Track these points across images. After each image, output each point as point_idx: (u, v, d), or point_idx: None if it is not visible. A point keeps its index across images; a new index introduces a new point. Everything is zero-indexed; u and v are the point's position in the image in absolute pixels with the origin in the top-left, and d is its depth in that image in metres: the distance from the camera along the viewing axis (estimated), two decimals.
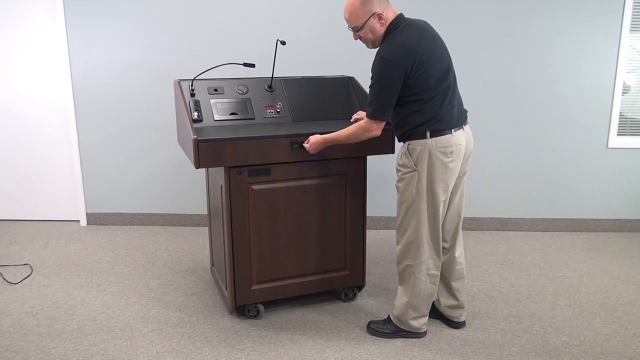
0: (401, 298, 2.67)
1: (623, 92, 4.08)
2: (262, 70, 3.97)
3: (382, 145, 2.86)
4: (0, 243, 4.01)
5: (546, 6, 3.91)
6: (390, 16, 2.44)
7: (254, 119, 2.92)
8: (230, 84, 3.01)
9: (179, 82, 2.94)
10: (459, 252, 2.76)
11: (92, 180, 4.36)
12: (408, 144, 2.51)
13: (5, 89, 4.28)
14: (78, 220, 4.48)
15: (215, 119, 2.86)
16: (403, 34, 2.38)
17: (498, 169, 4.20)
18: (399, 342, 2.69)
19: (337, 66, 4.03)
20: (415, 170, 2.49)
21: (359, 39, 2.54)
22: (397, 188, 2.59)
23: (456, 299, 2.79)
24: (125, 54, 4.11)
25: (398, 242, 2.64)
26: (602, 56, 3.99)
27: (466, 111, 2.62)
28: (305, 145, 2.68)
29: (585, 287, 3.31)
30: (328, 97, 3.10)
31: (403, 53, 2.34)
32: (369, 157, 4.10)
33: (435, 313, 2.91)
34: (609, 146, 4.13)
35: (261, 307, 2.92)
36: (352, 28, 2.50)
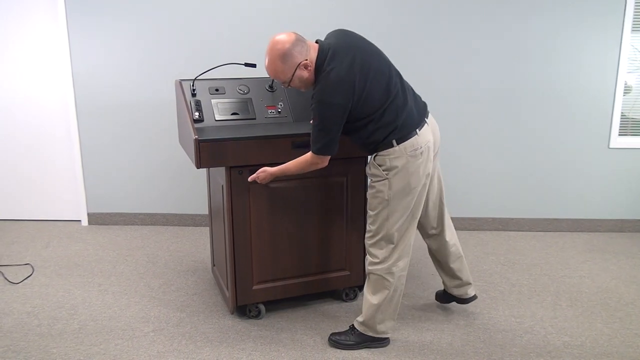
0: (369, 301, 2.58)
1: (624, 92, 4.07)
2: (263, 71, 3.97)
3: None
4: (1, 243, 4.02)
5: (546, 6, 3.91)
6: (313, 56, 2.35)
7: (255, 119, 2.92)
8: (232, 84, 3.01)
9: (180, 82, 2.94)
10: (449, 235, 2.77)
11: (93, 180, 4.36)
12: (376, 155, 2.45)
13: (6, 89, 4.28)
14: (79, 220, 4.48)
15: (217, 119, 2.86)
16: (333, 71, 2.28)
17: (499, 169, 4.20)
18: (398, 342, 2.69)
19: None
20: (387, 178, 2.42)
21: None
22: (368, 195, 2.52)
23: (459, 278, 2.83)
24: (127, 54, 4.11)
25: (369, 246, 2.54)
26: (604, 56, 3.98)
27: (425, 103, 2.55)
28: (254, 177, 2.68)
29: (586, 287, 3.30)
30: None
31: (340, 91, 2.28)
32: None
33: (446, 296, 2.94)
34: (610, 146, 4.13)
35: (262, 307, 2.92)
36: (280, 82, 2.46)
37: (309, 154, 2.47)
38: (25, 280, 3.38)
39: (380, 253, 2.51)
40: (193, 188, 4.33)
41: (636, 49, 4.00)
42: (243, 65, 2.93)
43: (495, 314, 2.97)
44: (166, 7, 4.02)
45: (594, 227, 4.26)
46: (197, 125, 2.80)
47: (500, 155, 4.18)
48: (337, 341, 2.65)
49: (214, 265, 3.33)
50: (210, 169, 3.10)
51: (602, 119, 4.09)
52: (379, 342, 2.64)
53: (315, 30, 3.99)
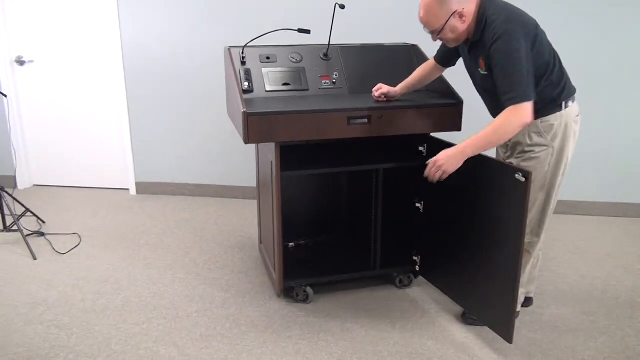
0: None
1: None
2: (318, 37, 3.72)
3: (450, 122, 2.60)
4: (51, 210, 4.00)
5: None
6: (471, 9, 2.15)
7: (308, 90, 2.70)
8: (284, 52, 2.79)
9: (229, 49, 2.74)
10: None
11: (141, 149, 4.27)
12: (540, 122, 2.23)
13: (55, 57, 4.20)
14: (128, 189, 4.42)
15: (267, 89, 2.66)
16: (504, 16, 2.09)
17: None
18: (458, 338, 2.48)
19: (400, 33, 3.72)
20: (552, 146, 2.25)
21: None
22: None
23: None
24: (176, 20, 3.94)
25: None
26: None
27: None
28: (432, 169, 2.20)
29: None
30: (389, 66, 2.83)
31: (520, 24, 2.08)
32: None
33: None
34: None
35: (310, 290, 2.76)
36: (429, 31, 2.22)
37: (505, 112, 2.07)
38: (72, 251, 3.33)
39: (532, 228, 2.38)
40: (242, 159, 4.17)
41: None
42: (296, 32, 2.70)
43: (565, 311, 2.70)
44: None
45: None
46: (246, 96, 2.61)
47: None
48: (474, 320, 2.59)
49: (261, 243, 3.19)
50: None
51: None
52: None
53: None
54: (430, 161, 2.21)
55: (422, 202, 2.73)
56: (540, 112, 2.19)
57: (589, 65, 3.68)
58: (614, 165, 3.84)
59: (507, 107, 2.07)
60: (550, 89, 2.19)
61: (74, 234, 3.59)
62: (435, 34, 2.20)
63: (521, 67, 2.04)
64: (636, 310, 2.70)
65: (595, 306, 2.74)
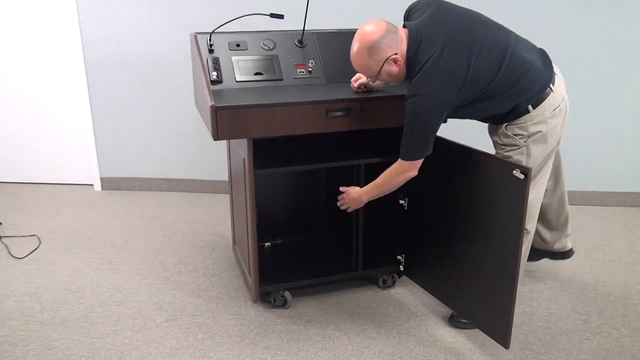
0: None
1: None
2: (291, 23, 3.49)
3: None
4: (8, 209, 3.73)
5: None
6: (404, 49, 2.07)
7: (282, 79, 2.50)
8: (255, 39, 2.58)
9: (195, 36, 2.52)
10: (561, 185, 2.55)
11: (105, 142, 4.01)
12: (506, 125, 2.16)
13: (9, 47, 3.90)
14: (92, 185, 4.17)
15: (237, 79, 2.45)
16: (430, 61, 1.99)
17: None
18: (447, 343, 2.33)
19: (381, 16, 3.53)
20: (525, 146, 2.14)
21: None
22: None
23: (561, 229, 2.64)
24: (138, 5, 3.67)
25: None
26: None
27: (542, 50, 2.22)
28: (341, 201, 2.45)
29: None
30: None
31: (441, 83, 2.00)
32: None
33: (537, 253, 2.70)
34: None
35: (288, 294, 2.58)
36: (367, 77, 2.24)
37: (396, 163, 2.17)
38: (30, 255, 3.09)
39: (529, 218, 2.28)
40: (213, 152, 3.94)
41: None
42: (268, 17, 2.49)
43: (556, 309, 2.58)
44: None
45: None
46: (214, 87, 2.40)
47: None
48: None
49: (235, 244, 2.99)
50: None
51: None
52: None
53: None
54: (341, 196, 2.44)
55: (406, 199, 2.56)
56: (504, 119, 2.16)
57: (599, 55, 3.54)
58: (595, 154, 3.73)
59: (401, 158, 2.14)
60: (505, 103, 2.11)
61: (32, 235, 3.33)
62: (372, 79, 2.17)
63: (422, 130, 2.05)
64: (629, 307, 2.59)
65: (587, 304, 2.62)
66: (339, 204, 2.45)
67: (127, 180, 4.09)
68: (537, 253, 2.69)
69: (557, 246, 2.66)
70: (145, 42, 3.75)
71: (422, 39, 2.04)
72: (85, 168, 4.13)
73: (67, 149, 4.11)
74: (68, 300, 2.66)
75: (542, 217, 2.54)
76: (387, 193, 2.29)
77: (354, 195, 2.36)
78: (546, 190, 2.44)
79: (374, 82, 2.22)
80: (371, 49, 2.04)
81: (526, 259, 2.45)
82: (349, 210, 2.44)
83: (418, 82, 2.02)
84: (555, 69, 2.19)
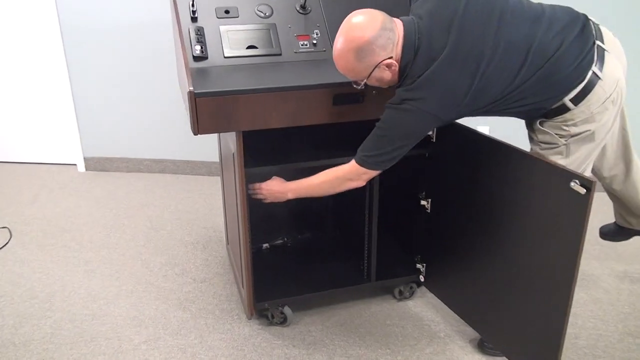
0: None
1: None
2: None
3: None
4: None
5: None
6: (399, 50, 1.65)
7: (280, 54, 2.05)
8: (248, 4, 2.11)
9: (174, 1, 2.06)
10: (635, 169, 2.12)
11: (89, 118, 3.59)
12: (541, 122, 1.78)
13: None
14: (75, 165, 3.77)
15: (226, 55, 2.00)
16: (425, 76, 1.62)
17: None
18: None
19: None
20: (564, 145, 1.76)
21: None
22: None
23: None
24: None
25: None
26: None
27: (585, 22, 1.70)
28: (255, 189, 2.02)
29: None
30: None
31: (442, 103, 1.65)
32: None
33: (625, 232, 2.34)
34: None
35: (288, 310, 2.19)
36: (353, 83, 1.75)
37: (348, 165, 1.79)
38: None
39: None
40: None
41: None
42: None
43: (604, 330, 2.18)
44: None
45: None
46: (198, 64, 1.96)
47: None
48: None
49: (228, 244, 2.60)
50: None
51: None
52: None
53: None
54: (257, 185, 2.02)
55: (429, 200, 2.14)
56: (543, 117, 1.78)
57: None
58: None
59: (355, 161, 1.77)
60: (534, 111, 1.75)
61: (3, 228, 2.96)
62: (358, 85, 1.73)
63: (395, 142, 1.70)
64: None
65: (639, 324, 2.23)
66: (250, 191, 2.03)
67: (114, 161, 3.68)
68: (626, 232, 2.33)
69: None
70: (126, 8, 3.28)
71: (421, 45, 1.64)
72: (66, 146, 3.72)
73: (48, 125, 3.70)
74: (34, 313, 2.29)
75: (619, 203, 2.23)
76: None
77: (277, 189, 1.98)
78: (616, 175, 2.10)
79: (359, 87, 1.75)
80: (360, 50, 1.61)
81: None
82: (264, 201, 2.04)
83: (409, 89, 1.66)
84: (607, 43, 1.71)
